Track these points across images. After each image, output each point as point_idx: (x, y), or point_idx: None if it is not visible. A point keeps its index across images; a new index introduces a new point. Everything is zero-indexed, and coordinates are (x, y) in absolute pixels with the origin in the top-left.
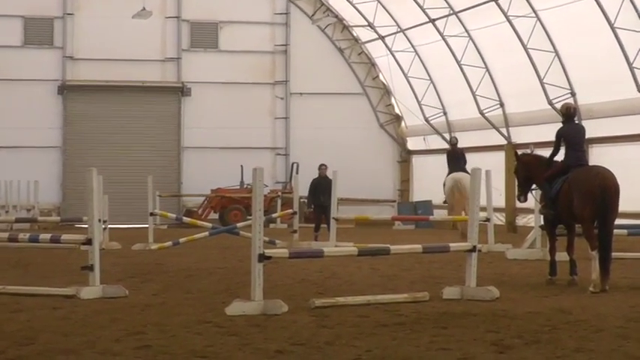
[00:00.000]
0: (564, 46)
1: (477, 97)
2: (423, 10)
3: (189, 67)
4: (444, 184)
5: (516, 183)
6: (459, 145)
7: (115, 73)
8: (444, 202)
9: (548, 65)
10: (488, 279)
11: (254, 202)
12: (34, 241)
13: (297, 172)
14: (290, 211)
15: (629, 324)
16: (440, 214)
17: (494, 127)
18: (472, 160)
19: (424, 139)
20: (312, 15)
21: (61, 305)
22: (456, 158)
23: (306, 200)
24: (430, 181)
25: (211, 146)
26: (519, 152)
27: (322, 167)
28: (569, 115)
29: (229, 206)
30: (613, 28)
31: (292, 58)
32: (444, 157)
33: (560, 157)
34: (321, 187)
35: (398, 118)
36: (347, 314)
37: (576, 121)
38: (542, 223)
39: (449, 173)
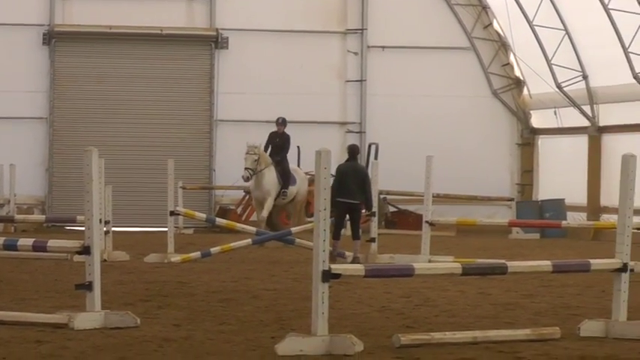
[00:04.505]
0: None
1: (631, 56)
2: None
3: (226, 8)
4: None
5: None
6: None
7: (122, 16)
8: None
9: None
10: None
11: (317, 198)
12: (10, 248)
13: (375, 157)
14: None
15: None
16: (576, 219)
17: None
18: (627, 144)
19: (555, 112)
20: None
21: (47, 338)
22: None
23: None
24: (564, 172)
25: (255, 119)
26: None
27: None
28: None
29: None
30: None
31: None
32: (582, 140)
33: None
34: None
35: (518, 83)
36: (444, 356)
37: None
38: None
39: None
